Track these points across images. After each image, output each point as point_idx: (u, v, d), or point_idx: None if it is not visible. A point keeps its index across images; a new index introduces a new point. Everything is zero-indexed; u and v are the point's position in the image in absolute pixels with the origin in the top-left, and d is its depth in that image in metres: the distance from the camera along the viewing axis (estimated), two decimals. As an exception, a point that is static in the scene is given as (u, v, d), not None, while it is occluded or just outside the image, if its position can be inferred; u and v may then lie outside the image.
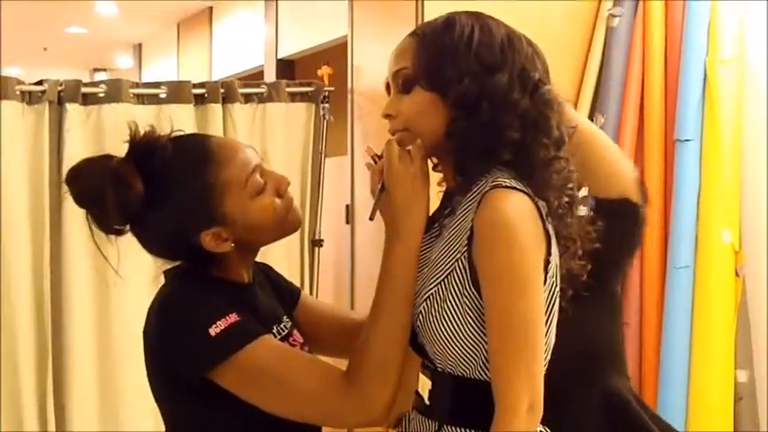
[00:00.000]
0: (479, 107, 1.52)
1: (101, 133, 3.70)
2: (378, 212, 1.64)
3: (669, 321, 3.32)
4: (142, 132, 1.61)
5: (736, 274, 3.29)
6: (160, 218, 1.60)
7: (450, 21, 1.58)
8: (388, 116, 1.62)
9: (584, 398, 1.95)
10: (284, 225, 1.69)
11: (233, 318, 1.54)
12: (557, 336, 1.58)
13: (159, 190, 1.58)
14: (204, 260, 1.65)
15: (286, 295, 1.86)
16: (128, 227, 1.64)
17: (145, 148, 1.60)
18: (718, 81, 3.32)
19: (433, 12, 3.31)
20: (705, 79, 3.35)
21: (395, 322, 1.57)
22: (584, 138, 1.81)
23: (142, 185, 1.57)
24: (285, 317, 1.76)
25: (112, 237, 1.64)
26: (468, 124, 1.53)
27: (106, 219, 1.59)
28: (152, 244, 1.67)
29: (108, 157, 1.61)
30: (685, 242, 3.32)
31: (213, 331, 1.52)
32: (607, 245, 1.73)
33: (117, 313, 3.74)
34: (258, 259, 1.78)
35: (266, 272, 1.87)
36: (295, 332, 1.75)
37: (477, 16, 1.59)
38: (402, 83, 1.59)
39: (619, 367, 2.09)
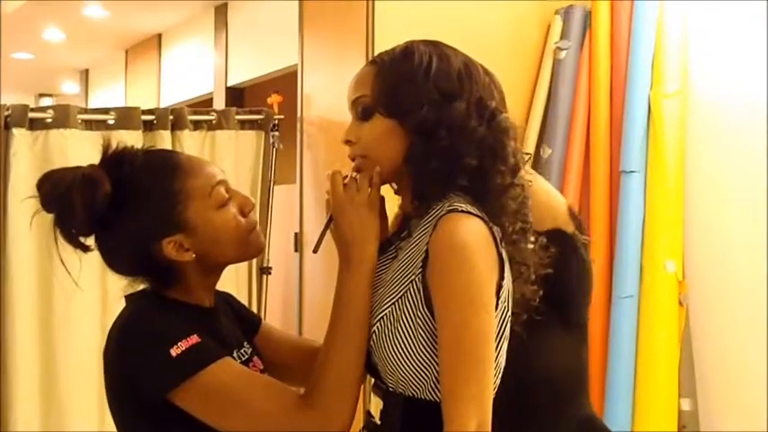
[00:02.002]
0: (437, 134, 1.55)
1: (48, 158, 3.66)
2: (323, 243, 1.67)
3: (614, 349, 3.37)
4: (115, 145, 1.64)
5: (680, 304, 3.34)
6: (125, 222, 1.60)
7: (408, 49, 1.61)
8: (347, 142, 1.64)
9: (565, 425, 1.99)
10: (246, 246, 1.70)
11: (194, 339, 1.54)
12: (525, 365, 1.61)
13: (126, 193, 1.60)
14: (165, 277, 1.65)
15: (247, 323, 1.87)
16: (92, 241, 1.63)
17: (116, 156, 1.63)
18: (662, 114, 3.38)
19: (382, 41, 3.35)
20: (649, 112, 3.42)
21: (350, 346, 1.59)
22: None
23: (110, 187, 1.58)
24: (246, 343, 1.76)
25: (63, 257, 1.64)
26: (426, 151, 1.56)
27: (72, 220, 1.58)
28: (115, 254, 1.66)
29: (79, 166, 1.62)
30: (630, 272, 3.37)
31: (174, 352, 1.52)
32: (560, 273, 1.76)
33: (61, 322, 3.72)
34: None
35: (228, 300, 1.88)
36: (255, 358, 1.75)
37: (435, 45, 1.63)
38: (361, 110, 1.62)
39: (588, 394, 2.13)
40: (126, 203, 1.60)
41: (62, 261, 1.66)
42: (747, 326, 3.22)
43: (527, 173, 1.87)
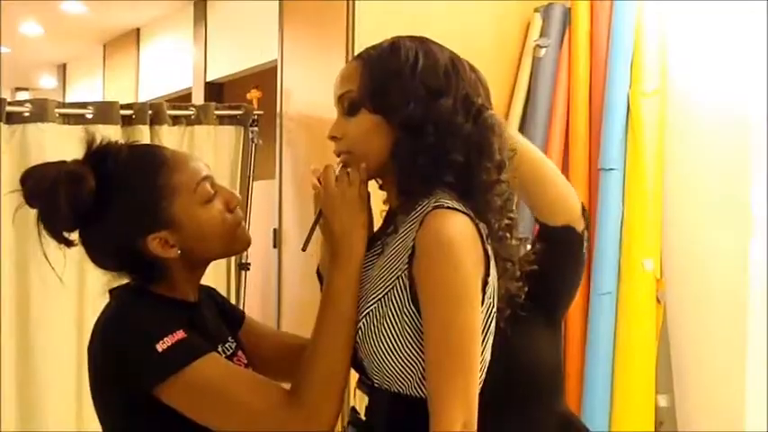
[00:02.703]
0: (424, 130, 1.55)
1: (25, 152, 3.63)
2: (311, 241, 1.66)
3: (592, 345, 3.38)
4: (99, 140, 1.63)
5: (658, 301, 3.36)
6: (109, 218, 1.60)
7: (395, 45, 1.61)
8: (333, 138, 1.64)
9: (545, 422, 2.00)
10: (232, 241, 1.70)
11: (180, 334, 1.54)
12: (510, 360, 1.61)
13: (111, 189, 1.59)
14: (150, 273, 1.65)
15: (231, 317, 1.87)
16: (76, 236, 1.62)
17: (100, 151, 1.62)
18: (641, 113, 3.39)
19: (363, 37, 3.35)
20: (628, 111, 3.43)
21: (337, 343, 1.58)
22: (529, 163, 1.87)
23: (95, 182, 1.58)
24: (230, 337, 1.76)
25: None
26: (413, 147, 1.56)
27: (57, 216, 1.57)
28: (99, 250, 1.66)
29: (63, 162, 1.61)
30: (608, 269, 3.38)
31: (160, 347, 1.52)
32: (552, 270, 1.77)
33: (39, 318, 3.70)
34: None
35: (212, 294, 1.87)
36: (240, 353, 1.75)
37: (421, 41, 1.63)
38: (347, 105, 1.62)
39: (564, 390, 2.15)
40: (110, 199, 1.59)
41: (45, 255, 1.64)
42: (724, 323, 3.24)
43: (542, 160, 1.88)
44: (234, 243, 1.72)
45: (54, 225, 1.59)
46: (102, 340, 1.60)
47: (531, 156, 1.91)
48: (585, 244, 2.03)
